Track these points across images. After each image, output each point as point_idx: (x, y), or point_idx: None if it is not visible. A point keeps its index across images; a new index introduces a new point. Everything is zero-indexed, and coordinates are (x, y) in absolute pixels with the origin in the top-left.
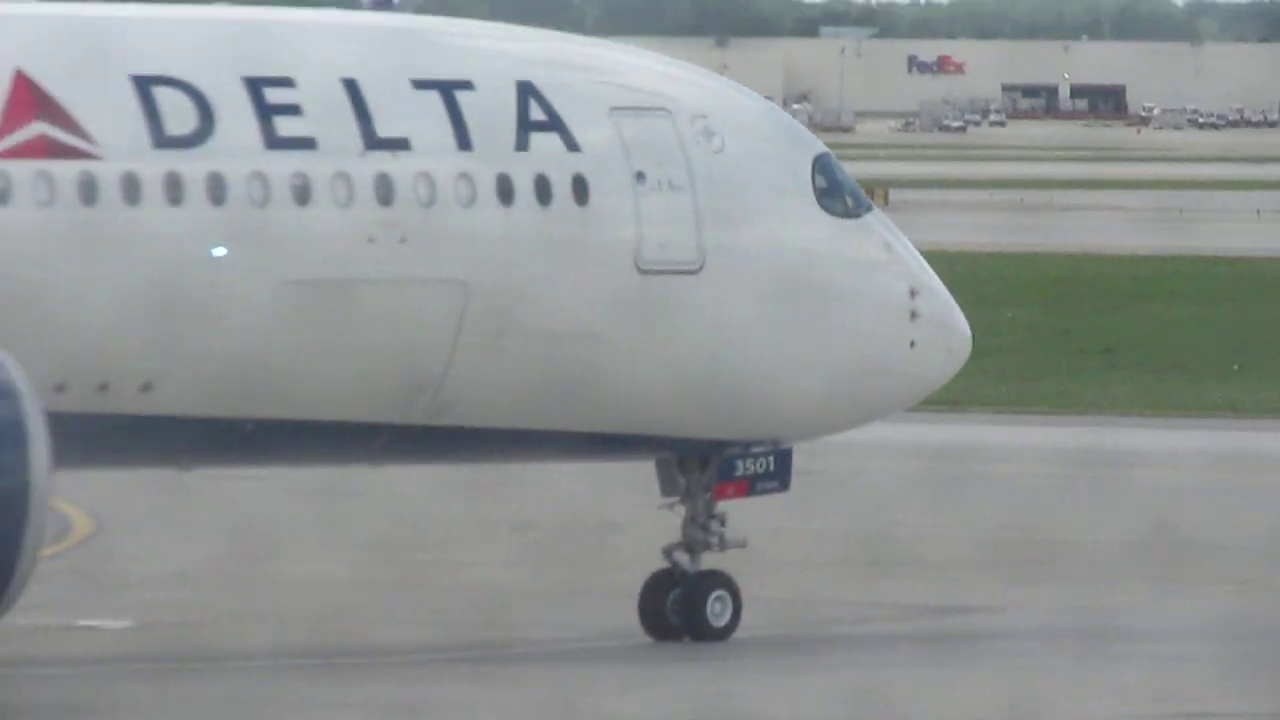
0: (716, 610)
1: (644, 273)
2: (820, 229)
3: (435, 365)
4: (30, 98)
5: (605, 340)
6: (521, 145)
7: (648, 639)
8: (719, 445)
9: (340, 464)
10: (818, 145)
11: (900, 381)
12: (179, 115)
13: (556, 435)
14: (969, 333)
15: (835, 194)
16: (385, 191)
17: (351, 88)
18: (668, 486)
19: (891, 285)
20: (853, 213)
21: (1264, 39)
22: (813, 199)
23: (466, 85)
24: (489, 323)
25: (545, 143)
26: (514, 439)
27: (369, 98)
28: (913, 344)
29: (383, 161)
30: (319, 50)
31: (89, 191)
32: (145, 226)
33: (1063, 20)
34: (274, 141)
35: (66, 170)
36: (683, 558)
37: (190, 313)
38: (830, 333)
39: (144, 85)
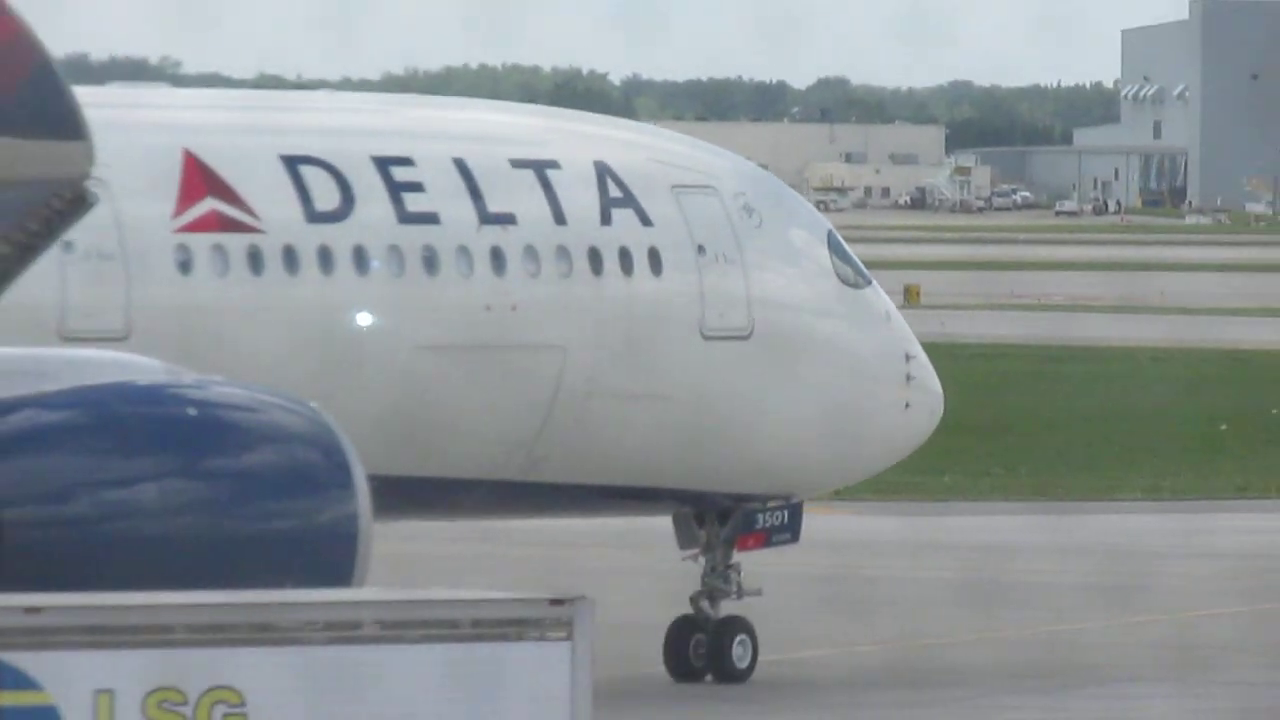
0: (739, 653)
1: (707, 339)
2: (838, 299)
3: (533, 425)
4: (201, 176)
5: (674, 402)
6: (605, 220)
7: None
8: (740, 499)
9: (433, 519)
10: (826, 221)
11: (895, 440)
12: (324, 192)
13: (608, 490)
14: (942, 395)
15: (844, 266)
16: (499, 263)
17: (461, 167)
18: (685, 539)
19: (892, 351)
20: (858, 284)
21: (700, 118)
22: (831, 270)
23: (554, 164)
24: (580, 385)
25: (623, 218)
26: (579, 494)
27: (477, 176)
28: (907, 405)
29: (495, 235)
30: (429, 131)
31: (256, 263)
32: (302, 295)
33: (497, 98)
34: (404, 216)
35: (237, 243)
36: (705, 605)
37: (337, 376)
38: (846, 395)
39: (292, 164)
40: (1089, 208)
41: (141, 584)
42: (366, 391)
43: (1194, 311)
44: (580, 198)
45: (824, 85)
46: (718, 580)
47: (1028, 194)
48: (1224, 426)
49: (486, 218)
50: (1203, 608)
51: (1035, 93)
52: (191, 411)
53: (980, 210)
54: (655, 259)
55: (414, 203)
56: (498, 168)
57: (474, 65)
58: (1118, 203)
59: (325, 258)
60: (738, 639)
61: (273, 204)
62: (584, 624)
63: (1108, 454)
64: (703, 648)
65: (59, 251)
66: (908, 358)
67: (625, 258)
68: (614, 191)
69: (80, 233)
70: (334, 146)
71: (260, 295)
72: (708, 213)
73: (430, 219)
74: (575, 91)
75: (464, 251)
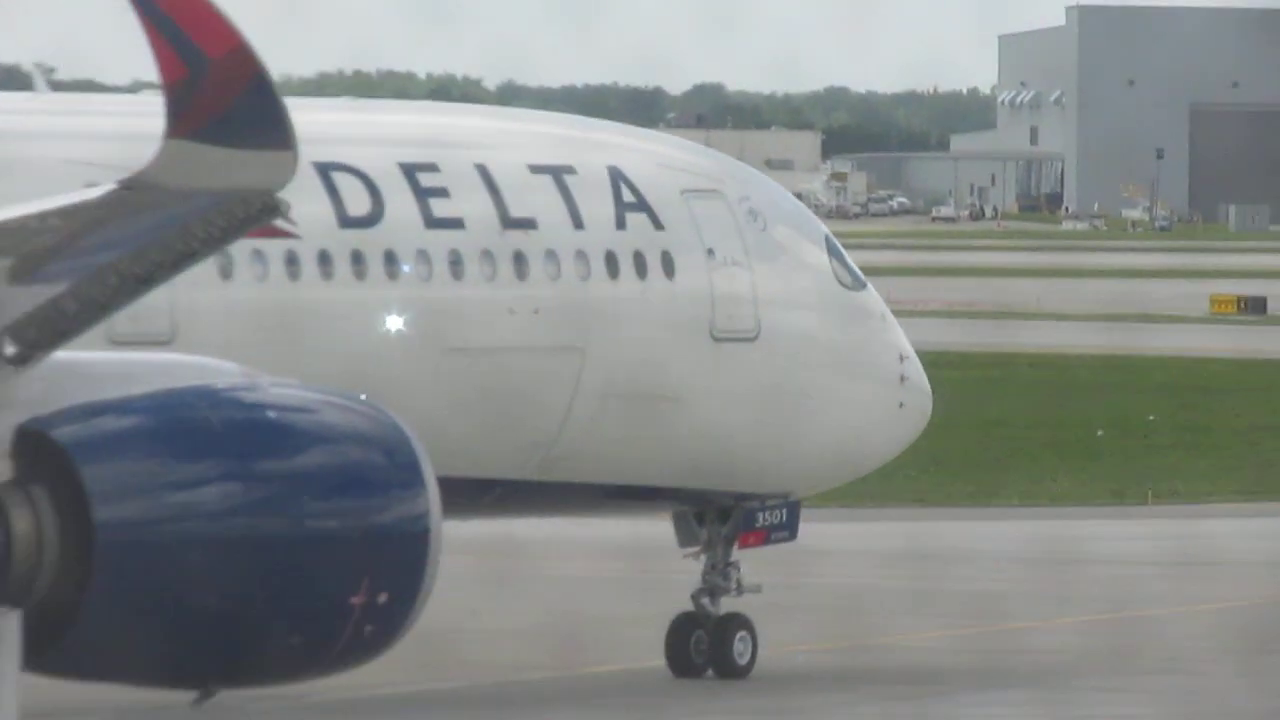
0: (740, 649)
1: (717, 341)
2: (838, 301)
3: (553, 425)
4: None
5: (685, 403)
6: (620, 224)
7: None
8: (740, 498)
9: (453, 518)
10: (823, 225)
11: (889, 439)
12: (355, 198)
13: (614, 489)
14: (931, 395)
15: (841, 269)
16: (522, 267)
17: (484, 172)
18: (685, 537)
19: (888, 352)
20: (855, 286)
21: None
22: (830, 273)
23: (570, 170)
24: (597, 386)
25: (637, 222)
26: (587, 493)
27: (499, 181)
28: (901, 405)
29: (518, 240)
30: (452, 138)
31: (293, 267)
32: (335, 298)
33: None
34: (431, 221)
35: (274, 248)
36: (706, 603)
37: (368, 377)
38: (846, 395)
39: (324, 171)
40: (966, 214)
41: (225, 582)
42: (396, 393)
43: (1068, 317)
44: (596, 202)
45: (699, 91)
46: (718, 578)
47: (904, 200)
48: (1100, 432)
49: (509, 222)
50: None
51: (912, 99)
52: (271, 414)
53: (857, 216)
54: (668, 262)
55: (440, 208)
56: (518, 173)
57: (349, 72)
58: (994, 209)
59: (358, 262)
60: (738, 635)
61: (307, 210)
62: (9, 635)
63: (985, 460)
64: (703, 644)
65: None
66: (902, 358)
67: (640, 261)
68: (627, 196)
69: None
70: (363, 153)
71: (296, 298)
72: (715, 217)
73: (456, 224)
74: (450, 98)
75: (488, 255)
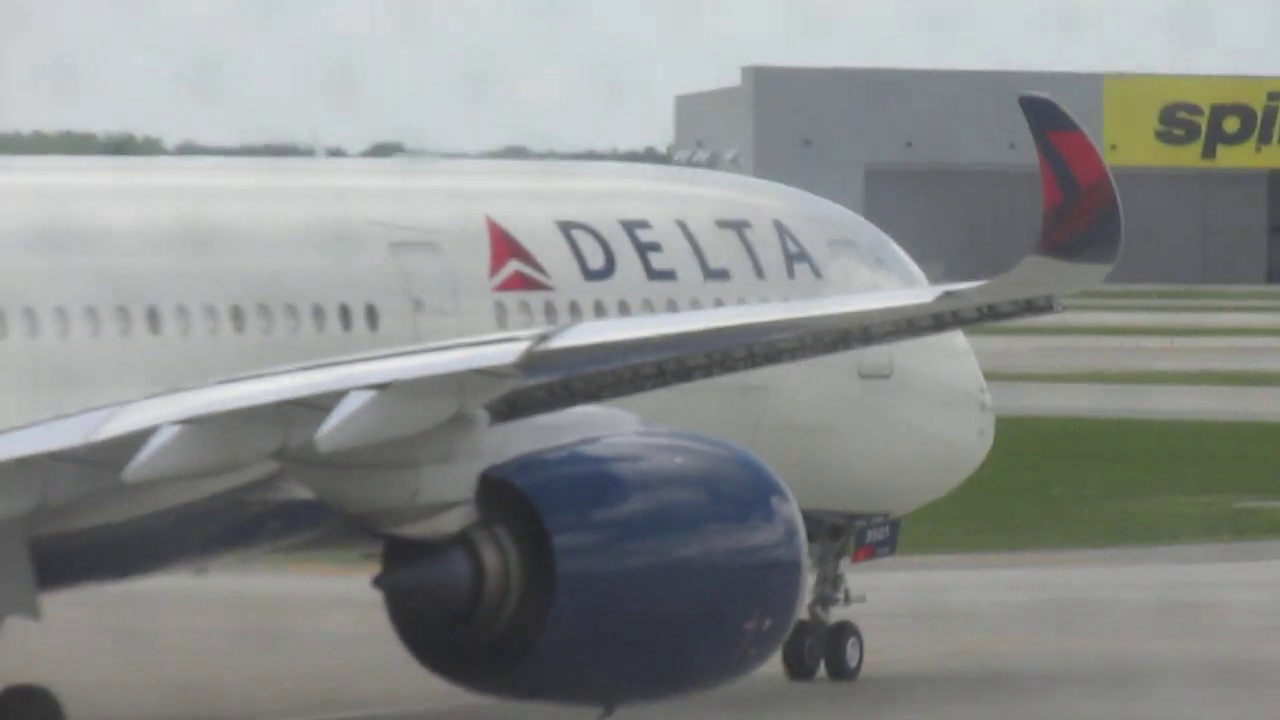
0: (850, 654)
1: (863, 378)
2: (941, 341)
3: None
4: (504, 241)
5: (838, 435)
6: (790, 274)
7: None
8: (852, 517)
9: None
10: (921, 272)
11: (970, 461)
12: (591, 253)
13: None
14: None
15: None
16: None
17: (683, 227)
18: None
19: (974, 383)
20: None
21: None
22: None
23: (747, 225)
24: (775, 419)
25: (802, 271)
26: None
27: (695, 235)
28: (980, 432)
29: (716, 289)
30: (652, 194)
31: (550, 318)
32: None
33: None
34: (651, 274)
35: (536, 300)
36: (819, 612)
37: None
38: (948, 424)
39: (565, 229)
40: None
41: (656, 609)
42: None
43: None
44: (770, 254)
45: (380, 150)
46: (829, 589)
47: None
48: None
49: (709, 273)
50: None
51: (591, 158)
52: (678, 458)
53: None
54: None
55: (656, 261)
56: (709, 228)
57: (26, 132)
58: None
59: (600, 312)
60: (849, 641)
61: (557, 265)
62: None
63: None
64: (817, 650)
65: (411, 310)
66: (981, 389)
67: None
68: (791, 248)
69: (428, 294)
70: (591, 211)
71: None
72: (855, 265)
73: (670, 275)
74: (130, 152)
75: (695, 304)
